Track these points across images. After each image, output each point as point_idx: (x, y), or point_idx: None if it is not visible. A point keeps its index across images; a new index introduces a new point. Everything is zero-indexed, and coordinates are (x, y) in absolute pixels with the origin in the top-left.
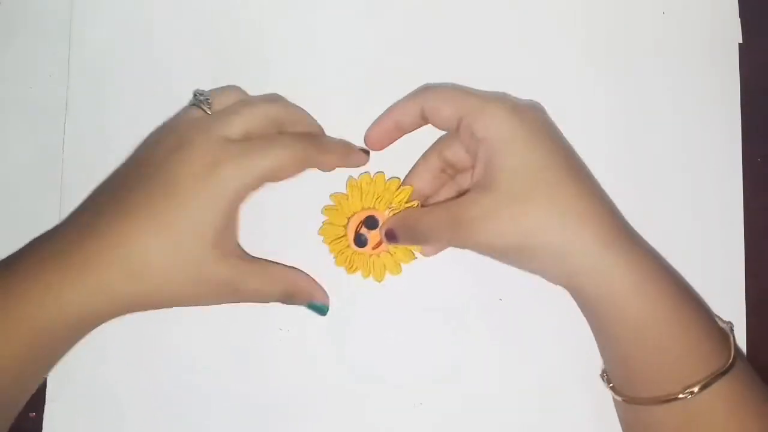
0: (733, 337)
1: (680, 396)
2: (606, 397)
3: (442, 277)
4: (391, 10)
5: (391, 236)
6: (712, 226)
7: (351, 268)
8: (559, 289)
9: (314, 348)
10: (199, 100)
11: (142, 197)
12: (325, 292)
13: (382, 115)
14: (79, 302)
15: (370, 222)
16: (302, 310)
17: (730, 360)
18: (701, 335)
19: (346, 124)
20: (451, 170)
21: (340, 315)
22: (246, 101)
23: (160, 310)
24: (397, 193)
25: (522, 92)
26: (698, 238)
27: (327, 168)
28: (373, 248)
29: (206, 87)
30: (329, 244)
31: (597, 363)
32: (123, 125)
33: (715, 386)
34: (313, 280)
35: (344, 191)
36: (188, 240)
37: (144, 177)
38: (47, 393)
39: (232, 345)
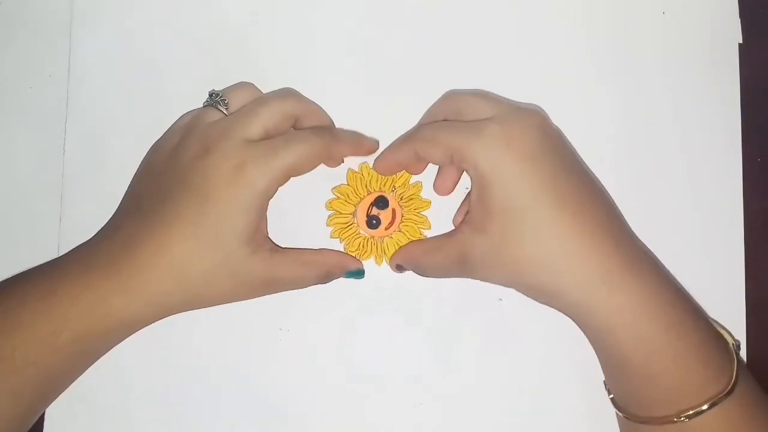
0: (738, 357)
1: (675, 420)
2: (605, 398)
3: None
4: (391, 10)
5: (400, 269)
6: (712, 226)
7: (364, 254)
8: None
9: (314, 348)
10: (216, 100)
11: (177, 204)
12: (356, 258)
13: (384, 151)
14: (126, 308)
15: (381, 202)
16: (302, 310)
17: (729, 386)
18: (698, 364)
19: (344, 124)
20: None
21: (340, 315)
22: (262, 100)
23: None
24: (399, 176)
25: (521, 93)
26: (698, 239)
27: (343, 156)
28: (386, 228)
29: (206, 86)
30: (340, 234)
31: (597, 364)
32: (123, 125)
33: (713, 410)
34: (342, 253)
35: (344, 183)
36: (226, 242)
37: (175, 184)
38: None
39: (233, 345)
